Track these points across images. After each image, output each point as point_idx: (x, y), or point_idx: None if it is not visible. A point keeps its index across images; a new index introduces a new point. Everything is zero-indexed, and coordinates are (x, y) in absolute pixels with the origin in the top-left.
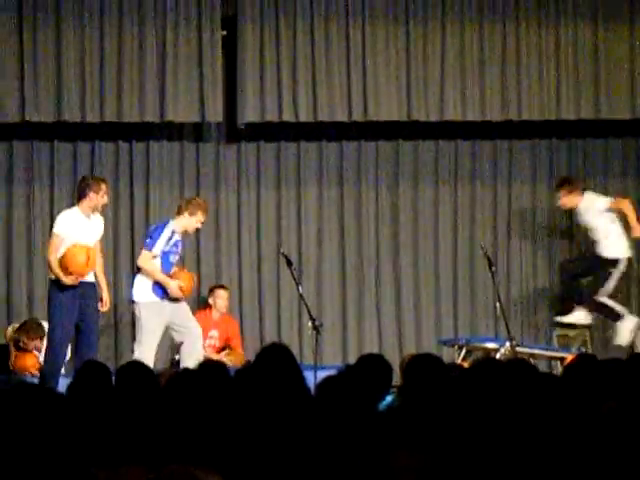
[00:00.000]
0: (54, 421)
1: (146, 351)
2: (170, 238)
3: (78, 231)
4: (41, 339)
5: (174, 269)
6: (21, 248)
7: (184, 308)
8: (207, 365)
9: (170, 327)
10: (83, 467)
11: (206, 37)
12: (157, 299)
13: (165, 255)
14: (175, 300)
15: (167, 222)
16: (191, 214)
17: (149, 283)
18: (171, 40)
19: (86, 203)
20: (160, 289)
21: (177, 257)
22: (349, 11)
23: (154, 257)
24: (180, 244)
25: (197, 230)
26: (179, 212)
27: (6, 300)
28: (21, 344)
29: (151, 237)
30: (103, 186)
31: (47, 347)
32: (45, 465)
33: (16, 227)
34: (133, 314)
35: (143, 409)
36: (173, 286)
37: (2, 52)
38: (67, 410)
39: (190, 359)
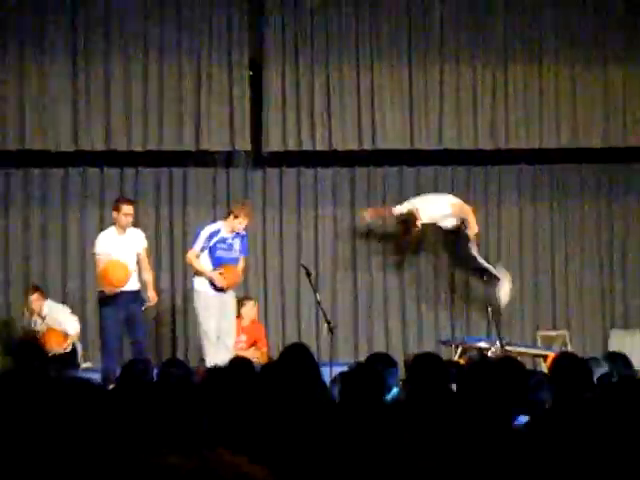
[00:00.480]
0: (101, 414)
1: (207, 334)
2: (210, 237)
3: (112, 247)
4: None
5: (230, 264)
6: (74, 264)
7: (229, 303)
8: (236, 361)
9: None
10: (131, 454)
11: (236, 77)
12: (203, 290)
13: (211, 250)
14: (222, 291)
15: (205, 226)
16: (235, 217)
17: (200, 278)
18: (205, 79)
19: (117, 220)
20: (209, 283)
21: (231, 253)
22: (359, 55)
23: (198, 254)
24: (236, 242)
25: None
26: (227, 215)
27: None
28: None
29: (194, 238)
30: (123, 207)
31: (101, 349)
32: (94, 452)
33: (71, 246)
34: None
35: (180, 402)
36: (212, 275)
37: (57, 87)
38: (113, 404)
39: (219, 355)
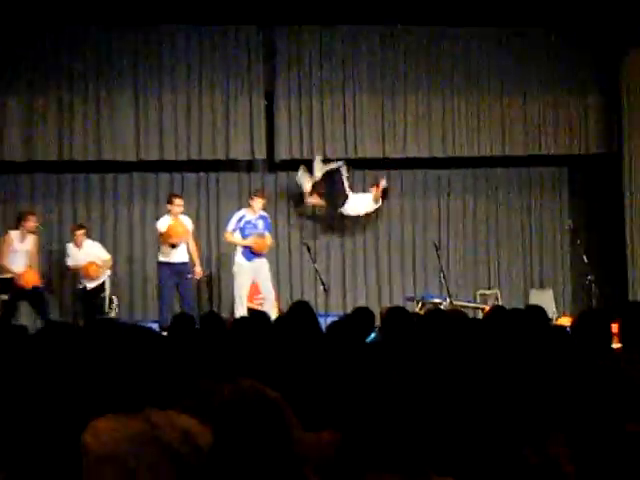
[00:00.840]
0: (156, 351)
1: (240, 296)
2: (240, 220)
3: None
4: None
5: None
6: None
7: (263, 269)
8: (255, 314)
9: (254, 280)
10: (187, 380)
11: (254, 104)
12: (239, 262)
13: (241, 230)
14: (255, 255)
15: (236, 211)
16: (252, 199)
17: (237, 252)
18: (232, 106)
19: (174, 211)
20: (243, 255)
21: (256, 230)
22: (344, 85)
23: (231, 233)
24: (259, 222)
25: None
26: (248, 203)
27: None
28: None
29: (226, 222)
30: (175, 200)
31: (158, 305)
32: (163, 379)
33: (135, 229)
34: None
35: (216, 343)
36: (245, 242)
37: (124, 111)
38: (166, 345)
39: (265, 305)
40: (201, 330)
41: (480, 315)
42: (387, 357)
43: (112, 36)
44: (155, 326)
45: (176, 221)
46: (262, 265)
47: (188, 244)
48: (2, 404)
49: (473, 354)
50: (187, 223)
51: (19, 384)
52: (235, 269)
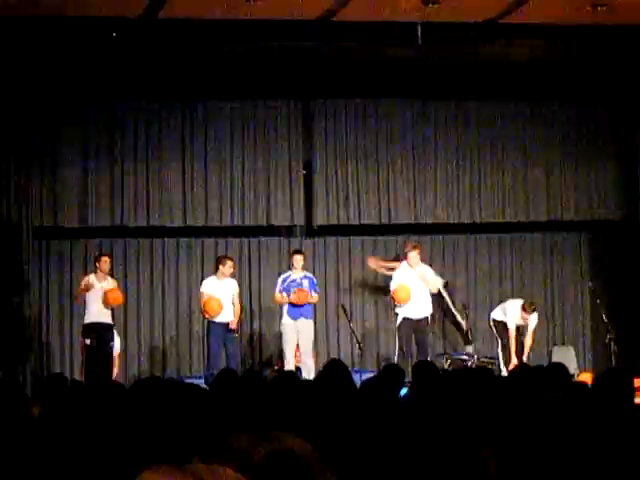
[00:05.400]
0: (199, 405)
1: (287, 354)
2: (284, 280)
3: (212, 290)
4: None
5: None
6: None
7: (306, 329)
8: (287, 372)
9: (298, 339)
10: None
11: (294, 174)
12: (285, 322)
13: (286, 290)
14: (303, 316)
15: (282, 274)
16: (292, 264)
17: (284, 312)
18: (273, 172)
19: (219, 272)
20: (288, 314)
21: (298, 287)
22: (377, 157)
23: (280, 294)
24: (304, 282)
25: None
26: (290, 264)
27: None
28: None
29: (275, 285)
30: (227, 262)
31: (207, 359)
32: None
33: (181, 290)
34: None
35: (255, 399)
36: (289, 299)
37: (172, 181)
38: (208, 399)
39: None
40: (241, 386)
41: (503, 370)
42: (419, 413)
43: (162, 110)
44: (200, 382)
45: (211, 298)
46: (306, 326)
47: (234, 303)
48: (54, 454)
49: (498, 410)
50: (232, 286)
51: (72, 436)
52: (282, 328)
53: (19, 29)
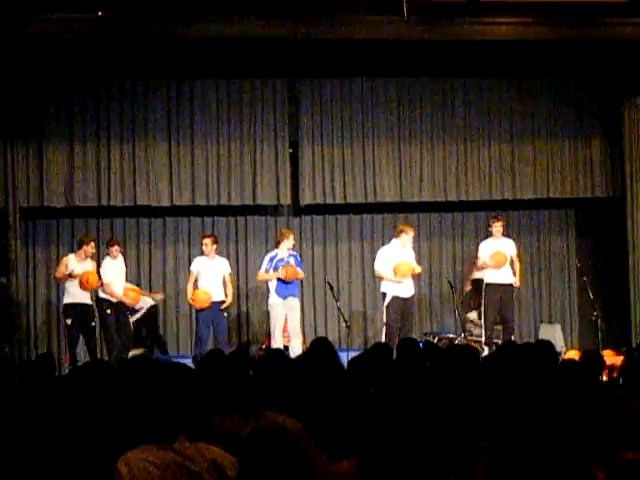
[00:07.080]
0: (186, 385)
1: (275, 332)
2: (272, 259)
3: (202, 268)
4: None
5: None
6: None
7: (293, 308)
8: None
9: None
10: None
11: (280, 153)
12: (272, 302)
13: (275, 268)
14: (291, 295)
15: (267, 254)
16: (280, 241)
17: (271, 291)
18: (259, 152)
19: (204, 251)
20: (276, 293)
21: (285, 263)
22: (364, 135)
23: (265, 273)
24: (291, 259)
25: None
26: (277, 243)
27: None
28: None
29: (261, 264)
30: (206, 240)
31: (195, 339)
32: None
33: (168, 266)
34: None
35: (242, 378)
36: (276, 274)
37: (159, 162)
38: (195, 377)
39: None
40: (228, 365)
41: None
42: (403, 390)
43: (147, 90)
44: (188, 361)
45: (200, 290)
46: (293, 304)
47: (225, 283)
48: (40, 435)
49: (482, 386)
50: (224, 264)
51: (57, 416)
52: (269, 307)
53: (2, 10)
